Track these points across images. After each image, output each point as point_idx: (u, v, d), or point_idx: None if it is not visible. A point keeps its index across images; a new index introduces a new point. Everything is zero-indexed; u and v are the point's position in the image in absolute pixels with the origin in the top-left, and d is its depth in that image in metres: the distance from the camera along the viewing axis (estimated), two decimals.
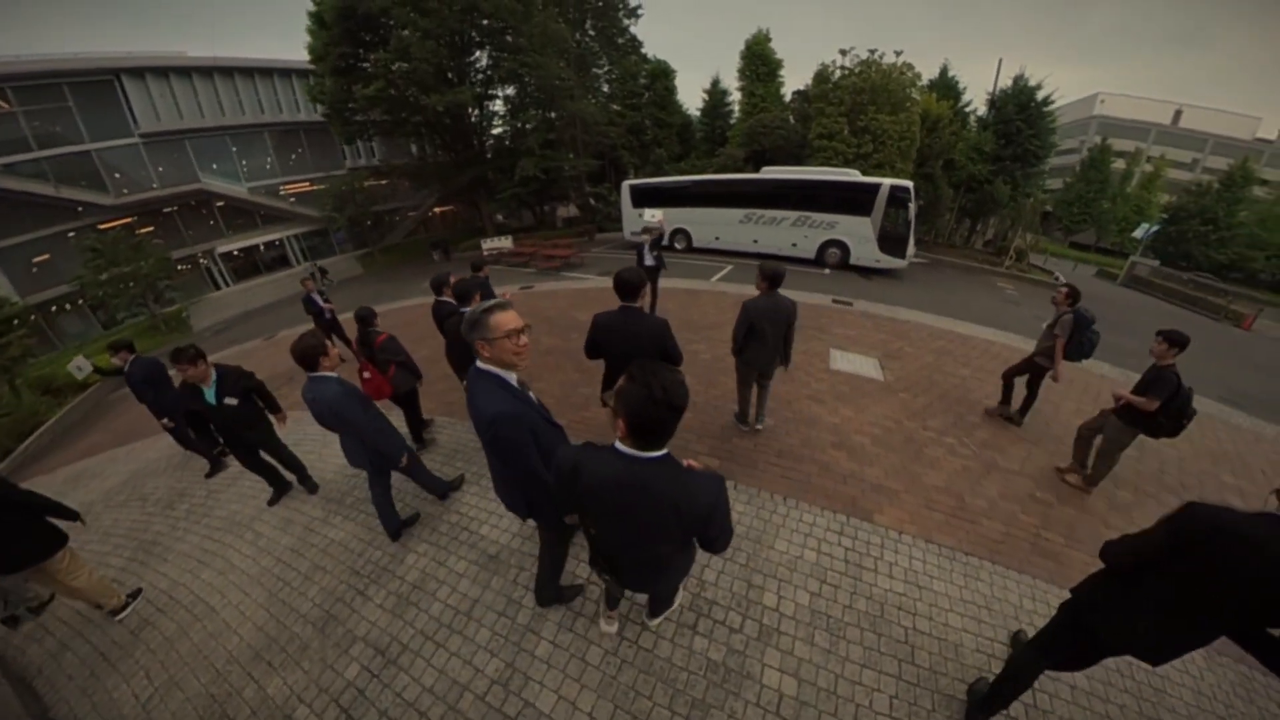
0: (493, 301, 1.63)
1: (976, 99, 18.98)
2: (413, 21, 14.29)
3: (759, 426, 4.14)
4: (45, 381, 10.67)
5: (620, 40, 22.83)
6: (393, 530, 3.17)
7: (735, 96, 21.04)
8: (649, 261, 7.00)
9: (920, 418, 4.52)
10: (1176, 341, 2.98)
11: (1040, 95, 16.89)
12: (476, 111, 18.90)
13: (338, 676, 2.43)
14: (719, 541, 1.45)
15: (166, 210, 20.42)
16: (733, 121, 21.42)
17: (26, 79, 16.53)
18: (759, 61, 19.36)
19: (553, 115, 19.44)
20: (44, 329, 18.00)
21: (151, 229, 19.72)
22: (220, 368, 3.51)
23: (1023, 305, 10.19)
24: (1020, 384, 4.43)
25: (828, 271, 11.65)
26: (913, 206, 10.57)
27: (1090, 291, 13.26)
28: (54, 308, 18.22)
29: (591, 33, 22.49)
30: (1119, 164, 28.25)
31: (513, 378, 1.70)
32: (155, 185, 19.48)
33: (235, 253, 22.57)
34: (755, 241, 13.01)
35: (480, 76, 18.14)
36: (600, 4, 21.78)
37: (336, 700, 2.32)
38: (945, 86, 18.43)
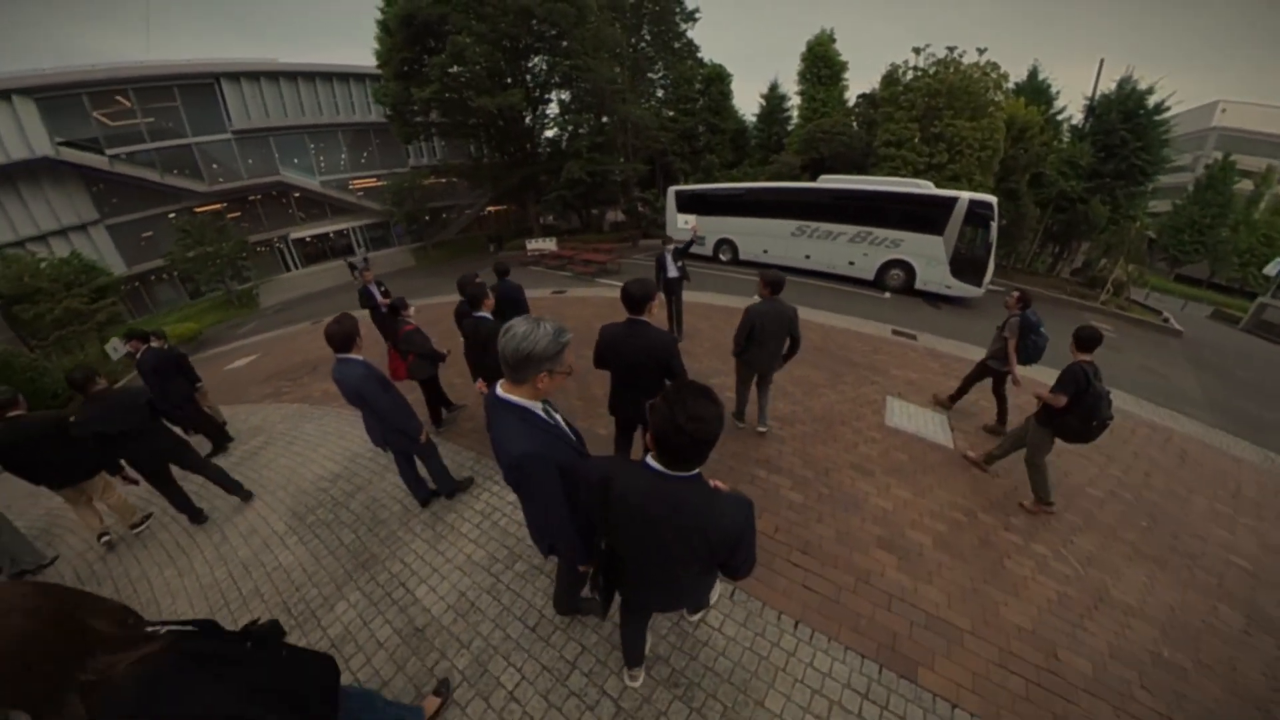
0: (568, 333, 1.45)
1: (1072, 105, 16.55)
2: (468, 27, 14.53)
3: (761, 429, 4.18)
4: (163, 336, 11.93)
5: (676, 45, 22.07)
6: (422, 498, 3.43)
7: (794, 101, 19.67)
8: (672, 272, 6.25)
9: (1001, 510, 3.45)
10: (1083, 341, 3.13)
11: (1151, 101, 14.40)
12: (530, 114, 18.87)
13: None
14: (744, 568, 1.38)
15: (250, 198, 22.45)
16: (790, 128, 20.05)
17: (145, 82, 18.70)
18: (821, 63, 17.92)
19: (604, 120, 19.25)
20: (142, 295, 20.73)
21: (238, 214, 21.94)
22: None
23: (1126, 351, 8.33)
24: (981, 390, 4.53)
25: (888, 296, 10.30)
26: (995, 225, 9.08)
27: (1205, 338, 11.11)
28: (152, 277, 20.45)
29: (648, 37, 21.89)
30: (1243, 185, 23.94)
31: (539, 407, 1.54)
32: (243, 176, 21.30)
33: (307, 239, 24.30)
34: (807, 257, 11.84)
35: (534, 80, 18.20)
36: (657, 9, 21.10)
37: None
38: (1035, 90, 16.15)
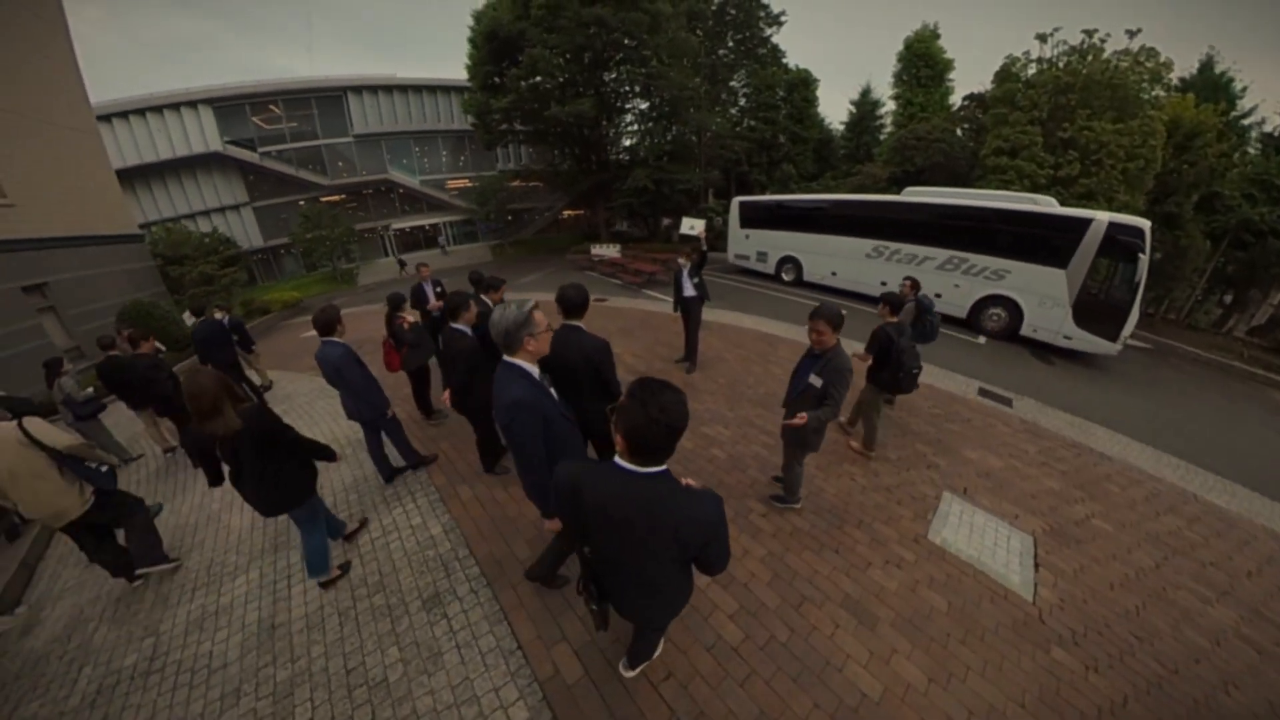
0: (530, 301, 1.80)
1: (1265, 105, 12.47)
2: (543, 40, 14.75)
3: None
4: (248, 303, 13.62)
5: (761, 51, 20.57)
6: (386, 475, 3.74)
7: (889, 107, 17.26)
8: (688, 291, 5.19)
9: None
10: (894, 305, 3.63)
11: None
12: (607, 122, 18.64)
13: None
14: (718, 562, 1.40)
15: (364, 192, 25.20)
16: (883, 137, 17.65)
17: (291, 94, 22.22)
18: (921, 63, 15.50)
19: (675, 129, 18.67)
20: (272, 265, 24.35)
21: (354, 205, 25.07)
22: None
23: None
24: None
25: (982, 341, 8.10)
26: (1145, 260, 6.64)
27: None
28: (282, 251, 23.88)
29: (730, 44, 20.68)
30: None
31: (535, 371, 1.85)
32: (359, 173, 24.16)
33: (405, 230, 27.00)
34: (884, 284, 9.88)
35: (610, 89, 18.06)
36: (741, 16, 19.80)
37: None
38: (1210, 86, 12.45)
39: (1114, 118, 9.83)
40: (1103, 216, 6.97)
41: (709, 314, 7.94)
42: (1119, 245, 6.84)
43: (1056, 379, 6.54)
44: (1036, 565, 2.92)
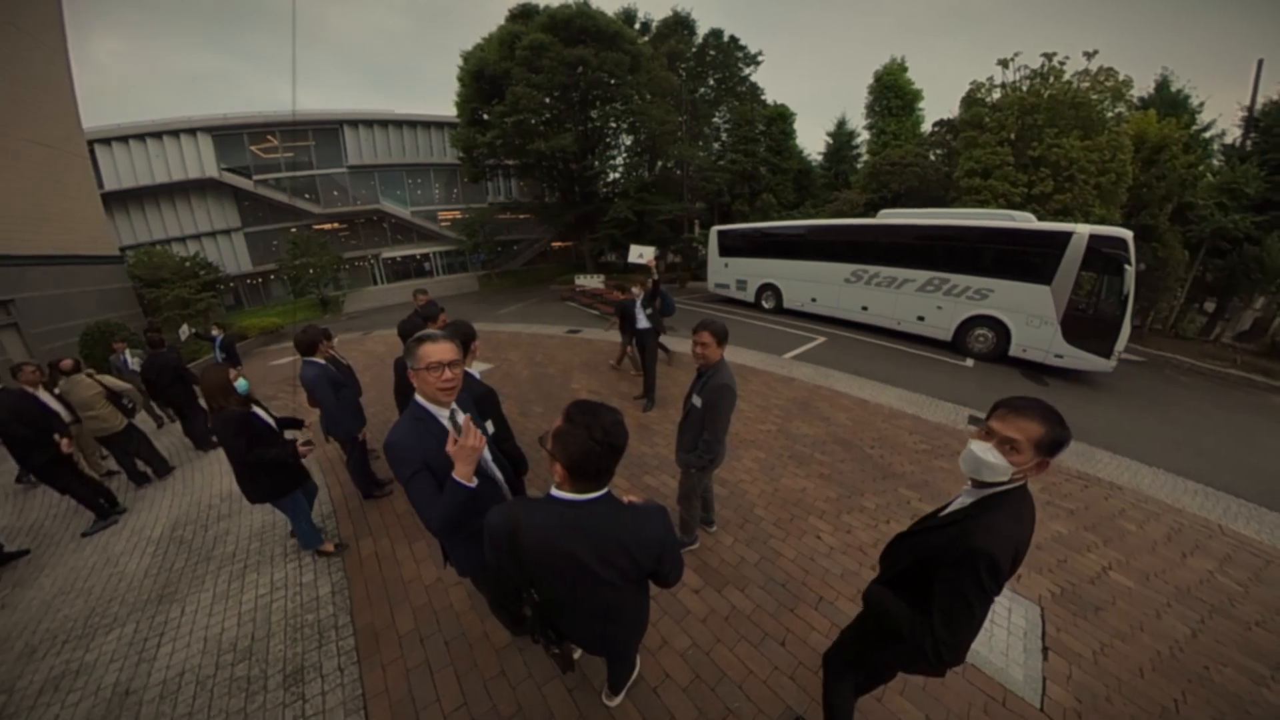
0: (425, 332, 1.60)
1: (1223, 119, 12.65)
2: (526, 79, 15.00)
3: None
4: (225, 327, 13.67)
5: (741, 89, 21.12)
6: (364, 490, 3.78)
7: (864, 137, 17.58)
8: (641, 323, 4.76)
9: None
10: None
11: None
12: (591, 156, 18.90)
13: None
14: (672, 574, 1.35)
15: (356, 221, 25.24)
16: (859, 165, 17.90)
17: (289, 125, 22.59)
18: (891, 93, 15.80)
19: (659, 162, 18.86)
20: (260, 290, 23.95)
21: (347, 232, 25.16)
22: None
23: None
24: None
25: (970, 363, 7.63)
26: (1131, 271, 6.27)
27: None
28: (271, 276, 23.46)
29: (711, 82, 21.23)
30: None
31: (444, 415, 1.59)
32: (351, 203, 24.27)
33: (395, 259, 26.95)
34: (865, 309, 9.54)
35: (594, 125, 18.38)
36: (720, 57, 20.39)
37: None
38: (1170, 102, 12.67)
39: (1080, 135, 9.81)
40: (1083, 229, 6.65)
41: (679, 345, 7.48)
42: (1103, 257, 6.51)
43: (1052, 401, 5.83)
44: (1045, 650, 2.31)
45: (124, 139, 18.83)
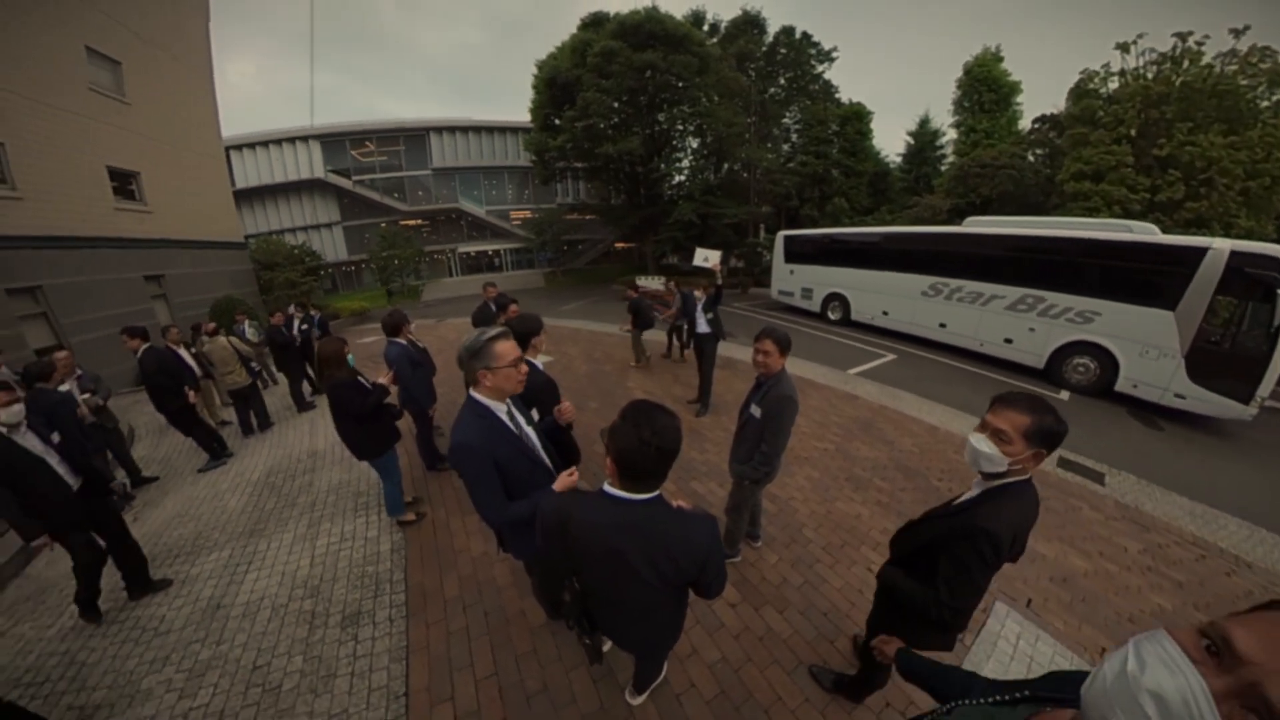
0: (496, 330, 1.61)
1: None
2: (596, 84, 15.46)
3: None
4: (322, 308, 15.25)
5: (813, 87, 20.24)
6: (428, 462, 4.09)
7: (950, 136, 16.08)
8: (701, 327, 4.74)
9: None
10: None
11: None
12: (658, 159, 19.03)
13: None
14: (715, 586, 1.34)
15: (437, 218, 27.69)
16: (944, 167, 16.42)
17: (384, 132, 25.48)
18: (983, 87, 14.24)
19: (725, 165, 18.74)
20: (353, 277, 26.95)
21: (428, 228, 27.81)
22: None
23: None
24: None
25: (1065, 396, 6.71)
26: None
27: None
28: (362, 265, 25.97)
29: (783, 82, 20.54)
30: None
31: (502, 410, 1.63)
32: (434, 201, 26.71)
33: (470, 254, 29.11)
34: (943, 326, 8.73)
35: (661, 128, 18.55)
36: (792, 55, 19.68)
37: None
38: None
39: (1224, 130, 8.24)
40: (1223, 244, 5.60)
41: (735, 352, 7.35)
42: (1247, 279, 5.44)
43: (1166, 449, 5.16)
44: None
45: (251, 145, 22.35)
